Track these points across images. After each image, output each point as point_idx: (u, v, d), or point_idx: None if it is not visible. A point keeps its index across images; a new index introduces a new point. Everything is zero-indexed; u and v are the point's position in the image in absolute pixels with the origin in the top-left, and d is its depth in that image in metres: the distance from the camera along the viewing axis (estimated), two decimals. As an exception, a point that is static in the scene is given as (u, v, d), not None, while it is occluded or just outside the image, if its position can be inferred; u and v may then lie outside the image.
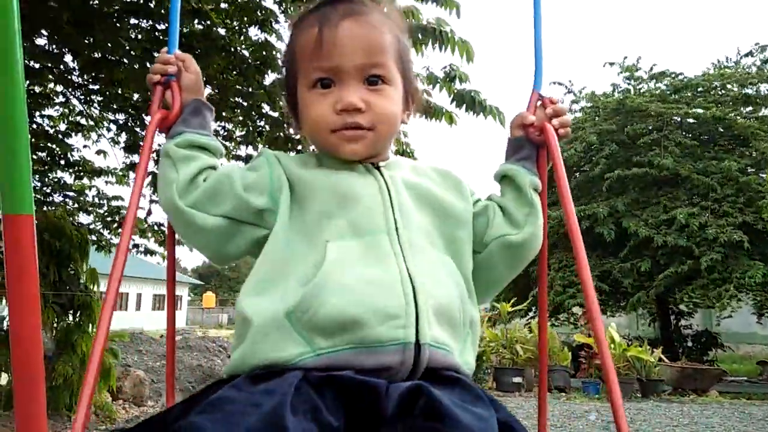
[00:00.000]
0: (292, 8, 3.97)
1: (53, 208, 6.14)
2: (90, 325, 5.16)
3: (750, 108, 13.29)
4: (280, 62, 1.36)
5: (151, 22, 4.57)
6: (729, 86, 13.40)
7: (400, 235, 0.94)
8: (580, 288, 7.19)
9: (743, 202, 11.37)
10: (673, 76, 14.33)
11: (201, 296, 36.01)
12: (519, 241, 1.08)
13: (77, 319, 5.13)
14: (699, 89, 13.57)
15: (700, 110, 12.66)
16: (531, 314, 12.12)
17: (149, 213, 6.37)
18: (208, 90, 4.97)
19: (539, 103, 1.17)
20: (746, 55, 13.77)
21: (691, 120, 13.09)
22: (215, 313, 34.27)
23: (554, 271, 12.85)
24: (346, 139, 0.99)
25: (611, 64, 15.05)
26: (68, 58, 5.10)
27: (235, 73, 4.47)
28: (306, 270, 0.90)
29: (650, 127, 13.21)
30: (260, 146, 4.93)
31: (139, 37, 4.64)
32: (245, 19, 4.40)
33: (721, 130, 12.98)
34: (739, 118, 12.66)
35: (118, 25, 4.32)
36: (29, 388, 1.77)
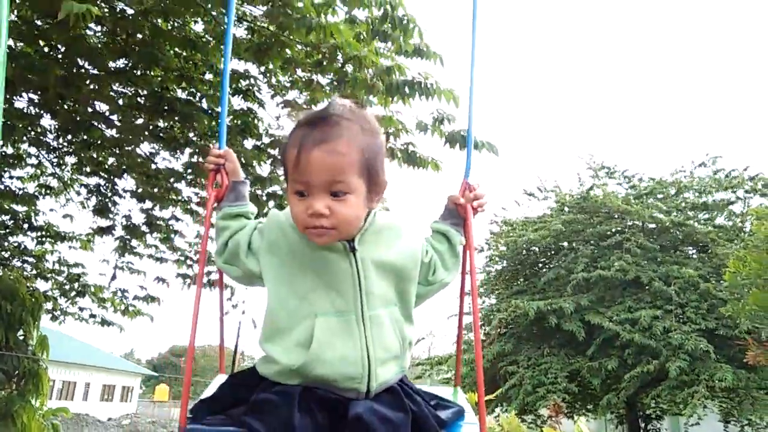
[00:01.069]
0: (276, 78, 4.09)
1: (9, 272, 5.91)
2: (35, 395, 4.81)
3: (707, 215, 13.89)
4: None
5: (134, 89, 4.67)
6: (686, 194, 14.06)
7: (364, 315, 1.39)
8: (550, 389, 7.13)
9: (705, 308, 11.60)
10: (632, 179, 15.04)
11: (153, 389, 34.11)
12: (449, 281, 1.61)
13: (20, 388, 4.78)
14: (659, 195, 14.21)
15: (661, 215, 13.16)
16: (498, 410, 11.80)
17: (113, 278, 6.22)
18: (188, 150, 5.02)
19: (467, 187, 1.67)
20: (699, 166, 14.58)
21: (651, 225, 13.55)
22: (167, 407, 32.27)
23: (523, 368, 12.67)
24: (315, 235, 1.36)
25: (580, 157, 15.69)
26: (45, 121, 5.12)
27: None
28: (302, 336, 1.37)
29: (613, 230, 13.64)
30: None
31: (121, 102, 4.72)
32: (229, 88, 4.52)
33: (681, 237, 13.45)
34: (697, 224, 13.20)
35: (97, 87, 4.40)
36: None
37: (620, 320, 11.67)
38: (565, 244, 13.91)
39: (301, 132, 1.37)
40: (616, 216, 13.39)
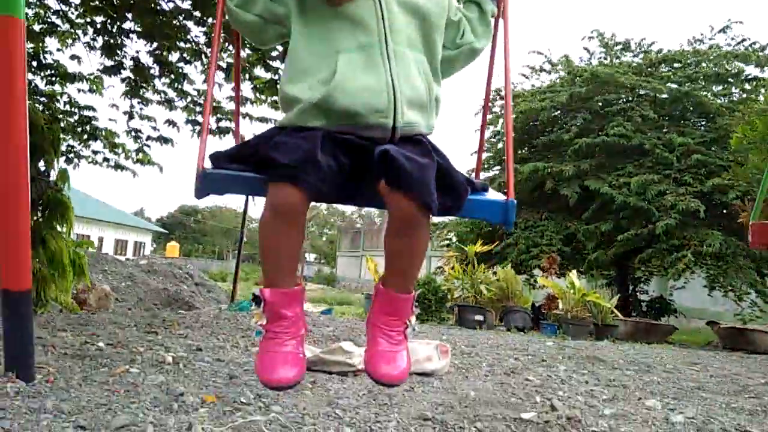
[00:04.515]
0: None
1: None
2: (61, 224, 5.04)
3: (721, 87, 13.64)
4: None
5: None
6: (703, 64, 13.68)
7: (388, 47, 1.40)
8: (543, 249, 7.39)
9: (704, 174, 11.70)
10: (648, 48, 14.60)
11: (164, 246, 35.43)
12: (478, 47, 1.61)
13: (46, 216, 5.01)
14: (675, 64, 13.84)
15: (674, 85, 12.93)
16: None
17: (130, 117, 6.36)
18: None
19: None
20: (720, 31, 14.04)
21: (663, 96, 13.31)
22: (179, 264, 33.78)
23: (520, 230, 13.11)
24: None
25: (590, 38, 15.23)
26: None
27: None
28: (325, 73, 1.38)
29: (622, 98, 13.46)
30: None
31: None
32: None
33: (691, 107, 13.29)
34: (709, 95, 13.00)
35: None
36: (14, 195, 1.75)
37: (619, 185, 11.85)
38: (572, 114, 13.76)
39: None
40: (627, 85, 13.14)
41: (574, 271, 8.77)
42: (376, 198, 1.32)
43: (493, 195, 1.61)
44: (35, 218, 4.94)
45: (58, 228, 5.02)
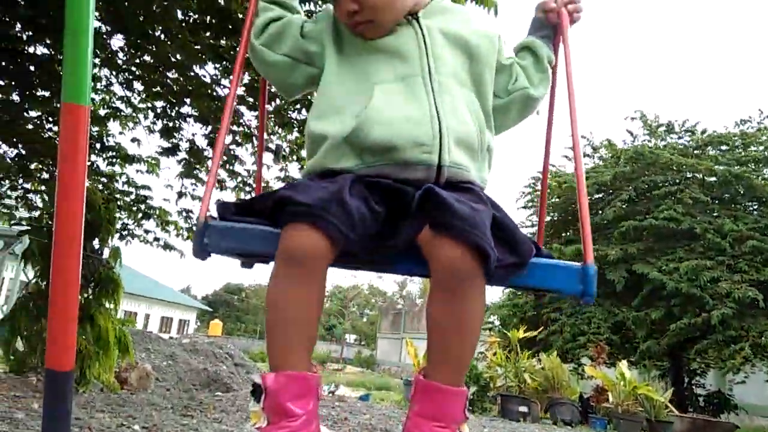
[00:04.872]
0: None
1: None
2: (111, 301, 5.16)
3: (772, 170, 13.34)
4: None
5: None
6: (752, 147, 13.46)
7: (432, 79, 1.21)
8: (590, 338, 7.08)
9: (760, 261, 11.24)
10: (694, 130, 14.49)
11: (207, 324, 35.63)
12: (535, 95, 1.38)
13: (96, 294, 5.15)
14: (722, 147, 13.66)
15: (721, 167, 12.70)
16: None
17: (180, 196, 6.63)
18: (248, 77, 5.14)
19: None
20: (768, 117, 13.89)
21: (712, 178, 13.06)
22: (220, 343, 33.77)
23: (566, 316, 12.70)
24: (359, 32, 1.27)
25: (633, 119, 15.27)
26: (114, 41, 5.34)
27: None
28: (358, 106, 1.18)
29: (669, 180, 13.26)
30: None
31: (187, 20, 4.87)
32: None
33: (742, 190, 12.96)
34: (760, 178, 12.69)
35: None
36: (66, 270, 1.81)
37: (669, 270, 11.42)
38: (617, 193, 13.57)
39: None
40: (673, 168, 12.98)
41: (625, 362, 8.34)
42: (415, 257, 1.05)
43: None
44: (85, 295, 5.10)
45: (107, 305, 5.15)
